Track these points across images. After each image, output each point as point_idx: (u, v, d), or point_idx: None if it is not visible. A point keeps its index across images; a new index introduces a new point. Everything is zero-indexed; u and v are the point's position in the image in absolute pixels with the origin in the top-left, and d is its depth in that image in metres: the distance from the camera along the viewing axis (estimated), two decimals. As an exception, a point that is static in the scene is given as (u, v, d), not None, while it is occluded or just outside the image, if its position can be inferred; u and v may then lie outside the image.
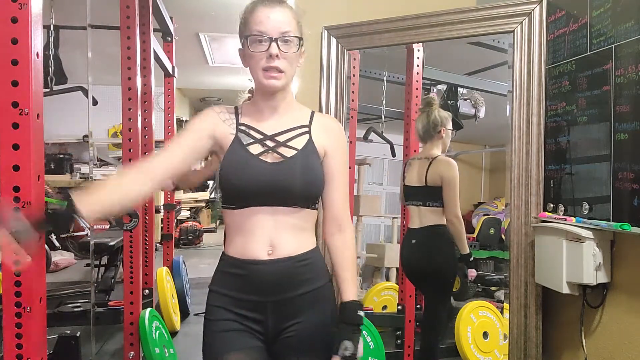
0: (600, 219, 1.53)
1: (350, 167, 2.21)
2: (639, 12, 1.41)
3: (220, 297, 1.24)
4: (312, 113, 1.31)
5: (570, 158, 1.70)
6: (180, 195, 6.82)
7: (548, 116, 1.80)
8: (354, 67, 2.39)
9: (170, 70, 3.92)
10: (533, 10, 1.82)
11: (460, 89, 2.97)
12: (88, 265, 4.33)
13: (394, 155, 3.15)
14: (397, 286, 3.05)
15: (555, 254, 1.64)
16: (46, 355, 1.22)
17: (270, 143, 1.23)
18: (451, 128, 2.45)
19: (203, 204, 8.03)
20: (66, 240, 5.16)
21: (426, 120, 2.43)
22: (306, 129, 1.26)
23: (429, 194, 2.37)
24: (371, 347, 2.48)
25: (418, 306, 2.82)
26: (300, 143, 1.24)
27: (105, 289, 3.23)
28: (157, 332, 2.56)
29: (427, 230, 2.39)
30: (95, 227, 3.22)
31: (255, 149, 1.22)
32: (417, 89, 2.79)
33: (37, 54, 1.13)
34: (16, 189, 1.11)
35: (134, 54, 2.35)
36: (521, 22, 1.84)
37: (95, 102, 2.73)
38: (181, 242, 7.08)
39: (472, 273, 2.40)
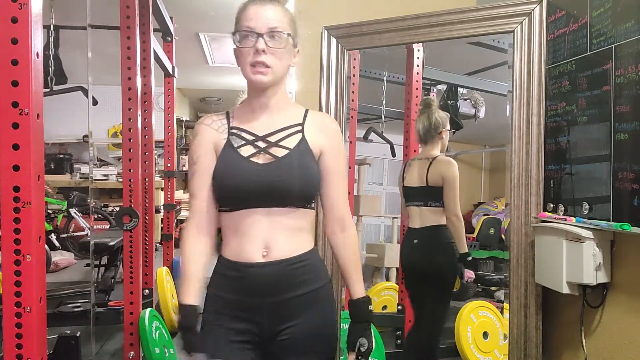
0: (600, 219, 1.53)
1: (350, 167, 2.21)
2: (639, 12, 1.41)
3: (217, 299, 1.25)
4: (306, 111, 1.29)
5: (570, 158, 1.70)
6: (180, 195, 6.81)
7: (548, 116, 1.80)
8: (354, 67, 2.39)
9: (170, 70, 3.91)
10: (533, 10, 1.82)
11: (460, 89, 2.97)
12: (88, 265, 4.32)
13: (394, 155, 3.15)
14: (397, 286, 3.05)
15: (555, 254, 1.64)
16: (46, 355, 1.22)
17: (261, 144, 1.23)
18: (449, 128, 2.46)
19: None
20: (66, 240, 5.16)
21: (427, 121, 2.43)
22: (299, 128, 1.25)
23: (430, 194, 2.37)
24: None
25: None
26: (292, 142, 1.23)
27: (105, 289, 3.22)
28: (157, 332, 2.55)
29: (429, 230, 2.39)
30: (95, 227, 3.22)
31: (246, 150, 1.22)
32: (417, 89, 2.79)
33: (37, 54, 1.13)
34: (16, 189, 1.11)
35: (134, 54, 2.35)
36: (521, 22, 1.84)
37: (95, 102, 2.72)
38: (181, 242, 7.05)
39: (469, 274, 2.40)
